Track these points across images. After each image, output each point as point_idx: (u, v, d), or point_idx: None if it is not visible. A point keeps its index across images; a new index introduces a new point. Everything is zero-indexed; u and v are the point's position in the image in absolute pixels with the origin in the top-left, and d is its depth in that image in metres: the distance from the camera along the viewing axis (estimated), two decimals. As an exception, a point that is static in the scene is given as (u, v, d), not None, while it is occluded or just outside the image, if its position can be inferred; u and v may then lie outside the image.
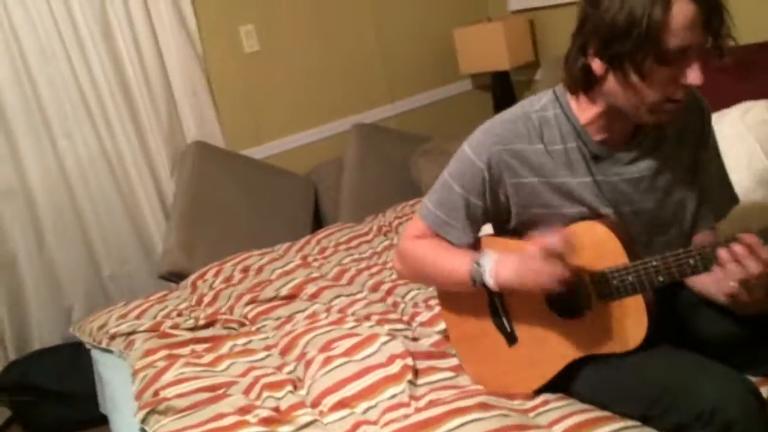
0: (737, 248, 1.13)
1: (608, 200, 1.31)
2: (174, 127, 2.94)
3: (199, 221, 2.78)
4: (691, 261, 1.17)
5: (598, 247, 1.28)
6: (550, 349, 1.36)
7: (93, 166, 2.80)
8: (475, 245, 1.41)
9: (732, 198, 1.43)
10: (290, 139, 3.19)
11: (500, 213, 1.39)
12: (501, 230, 1.46)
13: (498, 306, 1.42)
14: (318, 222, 3.11)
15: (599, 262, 1.27)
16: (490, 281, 1.29)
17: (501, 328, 1.42)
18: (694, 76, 1.14)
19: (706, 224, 1.38)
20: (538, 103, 1.34)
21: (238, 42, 3.01)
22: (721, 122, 1.94)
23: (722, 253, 1.13)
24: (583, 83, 1.25)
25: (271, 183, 3.03)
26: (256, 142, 3.12)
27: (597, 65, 1.20)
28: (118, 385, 1.81)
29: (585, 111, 1.29)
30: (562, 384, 1.38)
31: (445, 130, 3.36)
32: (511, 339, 1.41)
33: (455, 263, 1.35)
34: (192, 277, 2.38)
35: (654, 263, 1.20)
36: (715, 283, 1.25)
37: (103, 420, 2.39)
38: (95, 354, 2.08)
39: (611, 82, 1.20)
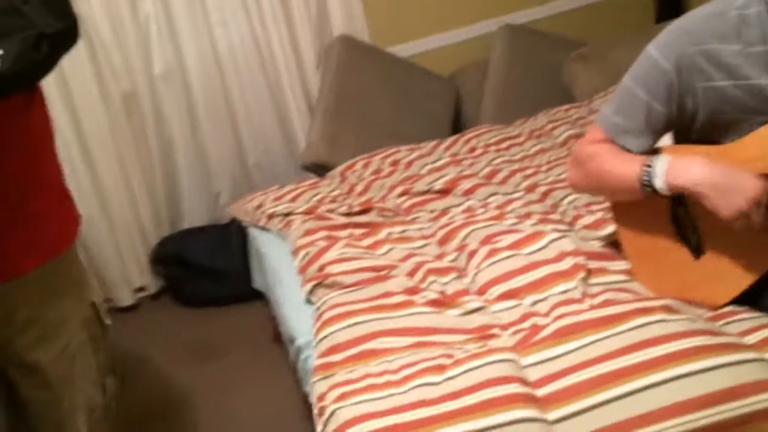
0: None
1: None
2: (322, 20, 2.93)
3: (342, 115, 2.79)
4: None
5: None
6: (742, 260, 1.27)
7: (244, 55, 2.85)
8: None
9: None
10: (435, 38, 3.10)
11: (684, 120, 1.28)
12: (682, 138, 1.35)
13: (682, 215, 1.33)
14: (458, 125, 3.05)
15: None
16: (660, 183, 1.21)
17: (685, 239, 1.33)
18: None
19: None
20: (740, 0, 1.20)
21: (391, -71, 2.91)
22: None
23: None
24: None
25: (414, 82, 2.97)
26: (401, 40, 3.05)
27: None
28: (278, 261, 1.89)
29: None
30: (749, 298, 1.30)
31: (599, 36, 3.14)
32: (697, 251, 1.32)
33: (626, 166, 1.26)
34: (340, 167, 2.42)
35: None
36: None
37: (252, 296, 2.54)
38: (253, 232, 2.18)
39: None
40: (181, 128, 2.87)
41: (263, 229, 2.12)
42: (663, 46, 1.25)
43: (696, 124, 1.29)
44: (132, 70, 2.72)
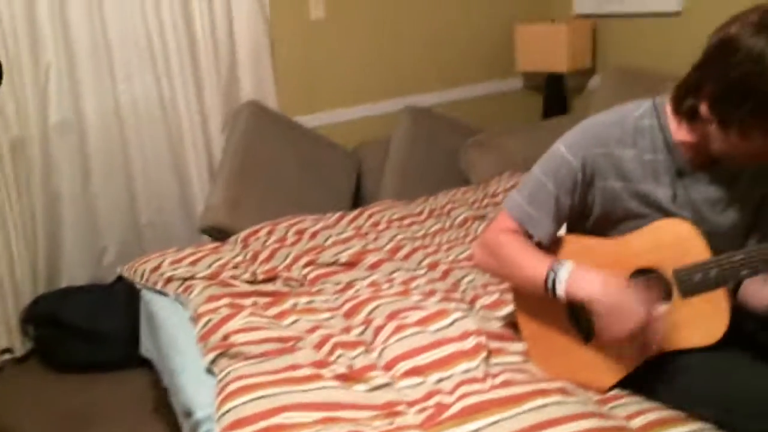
0: None
1: (686, 214, 1.35)
2: (232, 86, 2.94)
3: (245, 180, 2.78)
4: None
5: (682, 243, 1.31)
6: (628, 345, 1.37)
7: (148, 112, 2.80)
8: (555, 243, 1.44)
9: None
10: (342, 112, 3.19)
11: (584, 212, 1.42)
12: (577, 228, 1.48)
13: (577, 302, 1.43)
14: (358, 198, 3.12)
15: (682, 259, 1.31)
16: (561, 292, 1.31)
17: (577, 324, 1.44)
18: None
19: None
20: (637, 111, 1.37)
21: (306, 9, 3.01)
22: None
23: None
24: (687, 117, 1.28)
25: (318, 153, 3.03)
26: (307, 111, 3.12)
27: (704, 110, 1.22)
28: (176, 327, 1.82)
29: (680, 131, 1.32)
30: (632, 382, 1.40)
31: (494, 124, 3.37)
32: (587, 336, 1.43)
33: (534, 267, 1.36)
34: (243, 233, 2.39)
35: (739, 257, 1.24)
36: None
37: (133, 363, 2.40)
38: (147, 295, 2.08)
39: (712, 129, 1.23)
40: (71, 180, 2.73)
41: (159, 292, 2.04)
42: (571, 145, 1.38)
43: (591, 217, 1.42)
44: (25, 118, 2.58)
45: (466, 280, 1.94)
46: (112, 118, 2.74)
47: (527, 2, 3.48)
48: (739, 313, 1.43)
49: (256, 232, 2.36)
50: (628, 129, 1.35)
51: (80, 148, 2.72)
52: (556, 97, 3.41)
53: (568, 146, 1.38)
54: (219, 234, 2.64)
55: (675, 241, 1.33)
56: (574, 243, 1.46)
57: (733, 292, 1.41)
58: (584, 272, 1.31)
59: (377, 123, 3.26)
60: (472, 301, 1.81)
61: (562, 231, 1.53)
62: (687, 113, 1.28)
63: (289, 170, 2.90)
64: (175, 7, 2.70)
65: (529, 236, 1.43)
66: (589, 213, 1.42)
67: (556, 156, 1.40)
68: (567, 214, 1.41)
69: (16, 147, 2.60)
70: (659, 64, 2.94)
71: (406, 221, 2.45)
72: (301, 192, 2.89)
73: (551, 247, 1.46)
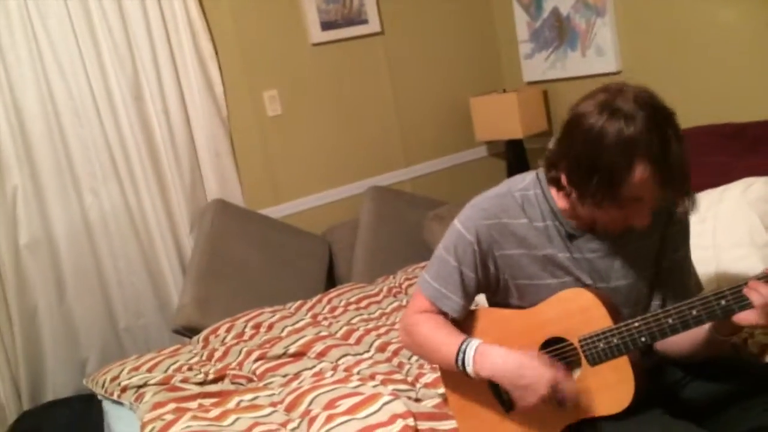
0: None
1: (586, 275, 1.38)
2: (196, 186, 3.04)
3: (215, 277, 2.84)
4: (670, 320, 1.23)
5: (585, 312, 1.33)
6: (545, 414, 1.38)
7: (116, 222, 2.90)
8: (470, 316, 1.47)
9: (697, 285, 1.46)
10: (307, 199, 3.28)
11: (491, 283, 1.45)
12: (494, 301, 1.51)
13: None
14: (332, 281, 3.17)
15: (587, 327, 1.32)
16: (471, 372, 1.35)
17: (497, 395, 1.45)
18: (640, 220, 1.24)
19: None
20: (522, 183, 1.43)
21: (262, 106, 3.14)
22: (723, 198, 1.98)
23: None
24: (556, 187, 1.35)
25: (287, 242, 3.10)
26: (274, 202, 3.21)
27: (564, 182, 1.29)
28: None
29: (560, 199, 1.37)
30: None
31: (459, 194, 3.41)
32: (507, 406, 1.43)
33: (446, 347, 1.39)
34: (204, 332, 2.43)
35: (636, 324, 1.26)
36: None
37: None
38: (106, 406, 2.12)
39: (573, 197, 1.29)
40: (46, 296, 2.81)
41: (117, 402, 2.08)
42: (464, 220, 1.43)
43: (500, 286, 1.45)
44: (-5, 241, 2.70)
45: (414, 358, 1.95)
46: (82, 231, 2.84)
47: (480, 76, 3.60)
48: (659, 368, 1.44)
49: (216, 330, 2.40)
50: (516, 199, 1.40)
51: (53, 264, 2.82)
52: (518, 161, 3.47)
53: (461, 222, 1.44)
54: (192, 333, 2.68)
55: (579, 310, 1.35)
56: (489, 315, 1.48)
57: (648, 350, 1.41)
58: (488, 350, 1.34)
59: (345, 205, 3.34)
60: (416, 380, 1.82)
61: (484, 302, 1.56)
62: (554, 184, 1.33)
63: (258, 262, 2.97)
64: (132, 117, 2.84)
65: (443, 313, 1.46)
66: (496, 283, 1.45)
67: (453, 233, 1.45)
68: (474, 286, 1.45)
69: (-12, 269, 2.70)
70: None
71: (364, 303, 2.48)
72: (272, 283, 2.95)
73: (468, 320, 1.49)
